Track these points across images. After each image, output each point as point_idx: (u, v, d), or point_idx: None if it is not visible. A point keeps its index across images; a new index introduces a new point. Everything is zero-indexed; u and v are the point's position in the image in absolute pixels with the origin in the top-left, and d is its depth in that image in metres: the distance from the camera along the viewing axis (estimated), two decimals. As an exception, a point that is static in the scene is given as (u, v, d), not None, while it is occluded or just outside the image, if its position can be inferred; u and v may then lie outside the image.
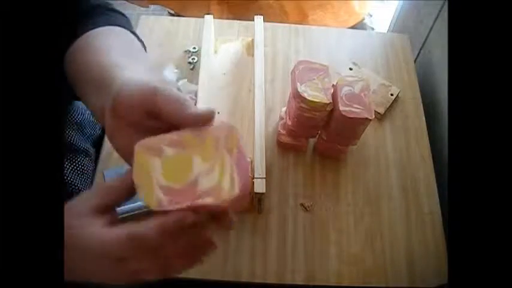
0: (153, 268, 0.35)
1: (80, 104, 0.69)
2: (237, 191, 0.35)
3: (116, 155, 0.73)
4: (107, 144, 0.74)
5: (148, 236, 0.33)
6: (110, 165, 0.72)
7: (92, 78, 0.42)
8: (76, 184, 0.66)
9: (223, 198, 0.34)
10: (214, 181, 0.35)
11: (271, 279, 0.64)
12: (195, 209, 0.34)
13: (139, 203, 0.66)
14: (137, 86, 0.37)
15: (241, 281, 0.64)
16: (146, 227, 0.33)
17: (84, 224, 0.34)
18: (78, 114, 0.67)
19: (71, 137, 0.65)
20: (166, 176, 0.35)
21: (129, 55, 0.45)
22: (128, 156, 0.37)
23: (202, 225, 0.35)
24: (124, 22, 0.51)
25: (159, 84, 0.36)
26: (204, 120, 0.36)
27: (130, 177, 0.35)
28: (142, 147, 0.36)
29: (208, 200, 0.34)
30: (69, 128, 0.65)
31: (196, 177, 0.35)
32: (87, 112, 0.74)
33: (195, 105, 0.71)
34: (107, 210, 0.36)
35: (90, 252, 0.34)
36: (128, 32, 0.50)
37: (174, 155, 0.36)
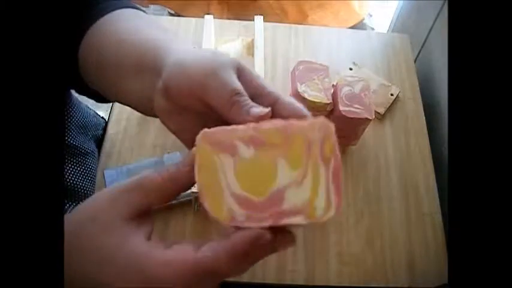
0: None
1: (84, 106, 0.68)
2: (333, 212, 0.28)
3: (116, 154, 0.73)
4: (107, 144, 0.74)
5: (219, 268, 0.27)
6: (110, 165, 0.72)
7: (129, 59, 0.36)
8: (87, 188, 0.66)
9: (315, 220, 0.28)
10: (305, 197, 0.28)
11: (271, 279, 0.64)
12: (273, 228, 0.28)
13: None
14: (185, 71, 0.31)
15: (241, 281, 0.64)
16: (214, 254, 0.26)
17: (121, 241, 0.26)
18: (83, 117, 0.67)
19: (78, 141, 0.65)
20: (242, 182, 0.28)
21: (163, 32, 0.39)
22: (188, 142, 0.31)
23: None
24: (134, 4, 0.45)
25: (211, 68, 0.30)
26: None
27: (185, 170, 0.28)
28: (208, 140, 0.28)
29: (295, 220, 0.28)
30: (75, 132, 0.64)
31: (281, 189, 0.28)
32: (92, 113, 0.73)
33: None
34: (146, 215, 0.29)
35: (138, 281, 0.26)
36: (144, 13, 0.44)
37: (253, 156, 0.28)
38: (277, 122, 0.28)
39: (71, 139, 0.62)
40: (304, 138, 0.28)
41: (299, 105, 0.31)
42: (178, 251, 0.27)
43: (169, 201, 0.29)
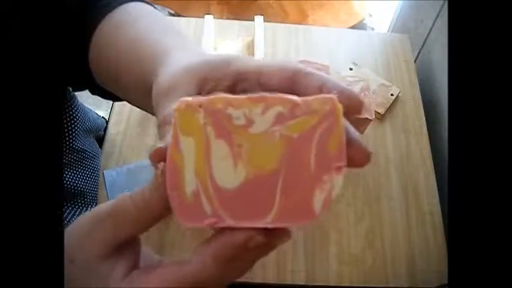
0: None
1: (88, 110, 0.68)
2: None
3: (116, 155, 0.74)
4: (107, 145, 0.74)
5: (209, 277, 0.24)
6: (110, 165, 0.72)
7: (130, 57, 0.36)
8: (95, 191, 0.66)
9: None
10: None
11: (271, 279, 0.64)
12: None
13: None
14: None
15: (241, 281, 0.64)
16: (201, 262, 0.24)
17: (100, 282, 0.25)
18: (88, 121, 0.66)
19: (85, 145, 0.65)
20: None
21: (165, 33, 0.38)
22: None
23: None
24: None
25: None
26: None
27: (155, 198, 0.25)
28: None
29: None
30: (82, 136, 0.63)
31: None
32: (95, 115, 0.73)
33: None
34: (126, 245, 0.26)
35: None
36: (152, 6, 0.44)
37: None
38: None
39: (79, 144, 0.61)
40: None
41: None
42: (160, 272, 0.25)
43: (148, 229, 0.26)
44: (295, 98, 0.23)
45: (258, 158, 0.23)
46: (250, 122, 0.23)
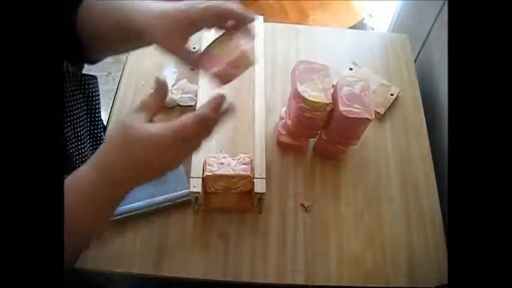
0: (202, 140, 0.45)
1: (100, 120, 0.68)
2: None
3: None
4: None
5: (209, 115, 0.43)
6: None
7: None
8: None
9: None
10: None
11: (271, 279, 0.64)
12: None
13: (138, 203, 0.66)
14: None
15: (241, 281, 0.64)
16: (204, 110, 0.43)
17: (148, 129, 0.42)
18: (98, 130, 0.67)
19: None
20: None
21: None
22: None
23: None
24: None
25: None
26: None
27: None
28: None
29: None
30: (94, 145, 0.66)
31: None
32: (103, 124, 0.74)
33: (195, 105, 0.73)
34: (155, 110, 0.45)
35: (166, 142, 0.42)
36: None
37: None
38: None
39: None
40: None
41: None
42: (157, 125, 0.42)
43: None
44: None
45: None
46: None
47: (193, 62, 0.53)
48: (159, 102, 0.45)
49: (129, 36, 0.50)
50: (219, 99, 0.45)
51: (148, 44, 0.52)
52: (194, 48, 0.87)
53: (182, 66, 0.84)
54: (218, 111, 0.44)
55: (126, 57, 0.88)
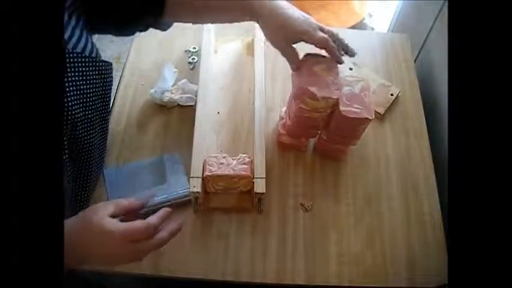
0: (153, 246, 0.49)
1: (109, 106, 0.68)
2: None
3: (116, 154, 0.74)
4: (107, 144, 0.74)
5: (156, 223, 0.48)
6: (110, 164, 0.73)
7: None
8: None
9: None
10: None
11: (271, 279, 0.64)
12: None
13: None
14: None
15: (241, 281, 0.64)
16: (152, 218, 0.49)
17: (103, 220, 0.47)
18: (107, 115, 0.67)
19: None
20: None
21: None
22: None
23: None
24: None
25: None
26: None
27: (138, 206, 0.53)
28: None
29: None
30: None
31: None
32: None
33: (195, 105, 0.73)
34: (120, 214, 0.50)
35: (112, 238, 0.46)
36: None
37: None
38: None
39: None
40: None
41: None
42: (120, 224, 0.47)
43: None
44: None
45: None
46: None
47: (295, 64, 0.63)
48: (131, 211, 0.51)
49: (235, 9, 0.60)
50: (168, 213, 0.51)
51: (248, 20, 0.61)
52: (194, 48, 0.88)
53: (182, 66, 0.84)
54: (165, 221, 0.51)
55: (126, 57, 0.88)
